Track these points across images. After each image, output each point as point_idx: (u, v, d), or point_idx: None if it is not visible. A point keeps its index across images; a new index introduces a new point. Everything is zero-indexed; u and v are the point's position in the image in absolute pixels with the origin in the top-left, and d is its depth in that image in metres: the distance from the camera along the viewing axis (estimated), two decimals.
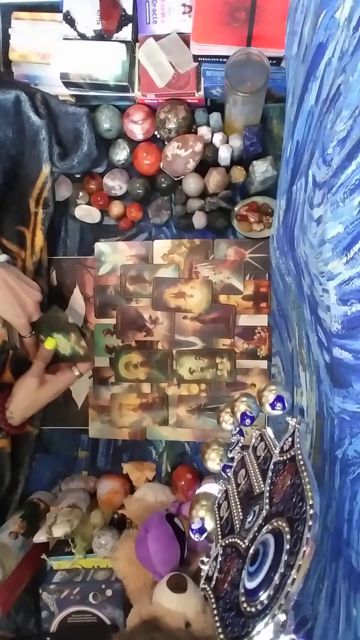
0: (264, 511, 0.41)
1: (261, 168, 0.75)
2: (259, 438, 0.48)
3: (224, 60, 0.68)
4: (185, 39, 0.73)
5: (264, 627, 0.33)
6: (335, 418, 0.50)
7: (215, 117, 0.78)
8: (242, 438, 0.53)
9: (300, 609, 0.50)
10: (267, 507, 0.41)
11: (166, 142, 0.79)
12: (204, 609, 0.61)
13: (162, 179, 0.80)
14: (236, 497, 0.47)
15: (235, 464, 0.51)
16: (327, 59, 0.44)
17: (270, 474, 0.43)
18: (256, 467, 0.47)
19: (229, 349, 0.80)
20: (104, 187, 0.82)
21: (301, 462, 0.39)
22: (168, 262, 0.81)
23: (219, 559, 0.44)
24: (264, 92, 0.69)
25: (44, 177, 0.77)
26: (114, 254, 0.83)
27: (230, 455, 0.52)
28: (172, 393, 0.82)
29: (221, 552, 0.45)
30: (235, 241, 0.81)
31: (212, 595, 0.42)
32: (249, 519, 0.43)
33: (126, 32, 0.75)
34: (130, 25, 0.75)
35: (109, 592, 0.71)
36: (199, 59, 0.72)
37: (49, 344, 0.73)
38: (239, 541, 0.42)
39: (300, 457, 0.39)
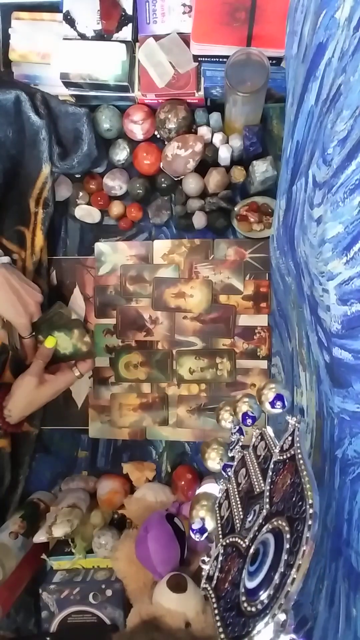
0: (264, 510, 0.41)
1: (261, 168, 0.75)
2: (259, 437, 0.49)
3: (224, 60, 0.68)
4: (185, 39, 0.73)
5: (264, 626, 0.33)
6: (335, 418, 0.50)
7: (215, 117, 0.78)
8: (242, 437, 0.53)
9: (300, 608, 0.50)
10: (267, 506, 0.41)
11: (166, 142, 0.79)
12: (204, 608, 0.61)
13: (162, 179, 0.80)
14: (237, 496, 0.47)
15: (235, 463, 0.51)
16: (327, 59, 0.44)
17: (271, 473, 0.43)
18: (256, 466, 0.47)
19: (229, 349, 0.80)
20: (104, 187, 0.82)
21: (301, 461, 0.39)
22: (168, 262, 0.81)
23: (220, 558, 0.44)
24: (264, 92, 0.69)
25: (44, 177, 0.77)
26: (114, 254, 0.83)
27: (230, 455, 0.52)
28: (172, 393, 0.82)
29: (222, 551, 0.45)
30: (235, 241, 0.81)
31: (213, 595, 0.42)
32: (249, 518, 0.43)
33: (126, 32, 0.75)
34: (130, 25, 0.75)
35: (109, 592, 0.71)
36: (199, 59, 0.72)
37: (49, 342, 0.73)
38: (239, 541, 0.42)
39: (300, 456, 0.39)
